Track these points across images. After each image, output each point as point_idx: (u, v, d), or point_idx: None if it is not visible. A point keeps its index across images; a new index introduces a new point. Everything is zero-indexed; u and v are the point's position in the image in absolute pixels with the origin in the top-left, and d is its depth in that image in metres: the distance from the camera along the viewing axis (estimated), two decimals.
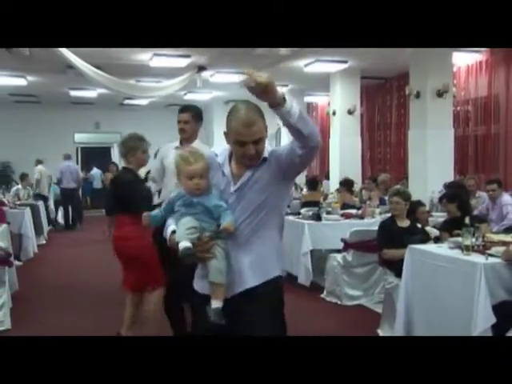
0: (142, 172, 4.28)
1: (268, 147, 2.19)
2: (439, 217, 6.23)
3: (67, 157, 12.87)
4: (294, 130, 1.95)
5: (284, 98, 1.89)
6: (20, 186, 10.33)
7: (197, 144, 3.95)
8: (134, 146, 3.92)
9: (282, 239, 2.33)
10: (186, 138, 4.00)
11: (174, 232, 2.19)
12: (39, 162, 13.18)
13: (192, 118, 4.00)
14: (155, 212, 2.32)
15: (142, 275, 3.89)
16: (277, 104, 1.89)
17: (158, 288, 3.92)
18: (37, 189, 11.26)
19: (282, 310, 2.27)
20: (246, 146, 2.08)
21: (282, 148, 2.19)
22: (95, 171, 15.84)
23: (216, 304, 2.10)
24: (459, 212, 4.80)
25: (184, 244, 2.10)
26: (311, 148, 2.00)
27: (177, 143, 4.10)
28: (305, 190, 8.98)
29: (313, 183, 8.27)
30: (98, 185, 15.49)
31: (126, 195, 3.86)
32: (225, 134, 2.18)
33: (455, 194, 5.14)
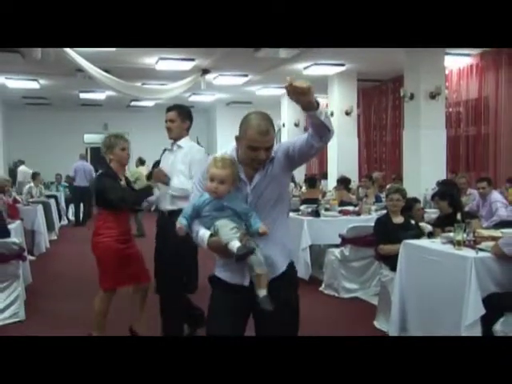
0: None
1: None
2: (432, 213, 6.24)
3: (82, 156, 13.09)
4: (322, 127, 2.12)
5: (317, 102, 2.11)
6: (32, 185, 10.36)
7: (185, 142, 3.94)
8: (111, 144, 3.90)
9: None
10: (173, 136, 3.94)
11: (211, 235, 2.26)
12: (21, 162, 13.07)
13: (177, 116, 3.94)
14: (182, 221, 2.30)
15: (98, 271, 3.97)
16: (312, 106, 2.06)
17: (101, 290, 3.95)
18: (19, 190, 10.59)
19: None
20: (258, 151, 2.22)
21: (288, 142, 2.37)
22: None
23: (263, 292, 2.20)
24: (450, 209, 4.86)
25: (236, 243, 2.16)
26: (328, 140, 2.22)
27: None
28: (304, 188, 9.10)
29: (312, 181, 8.40)
30: None
31: (94, 190, 3.98)
32: (237, 138, 2.31)
33: (446, 192, 5.22)
